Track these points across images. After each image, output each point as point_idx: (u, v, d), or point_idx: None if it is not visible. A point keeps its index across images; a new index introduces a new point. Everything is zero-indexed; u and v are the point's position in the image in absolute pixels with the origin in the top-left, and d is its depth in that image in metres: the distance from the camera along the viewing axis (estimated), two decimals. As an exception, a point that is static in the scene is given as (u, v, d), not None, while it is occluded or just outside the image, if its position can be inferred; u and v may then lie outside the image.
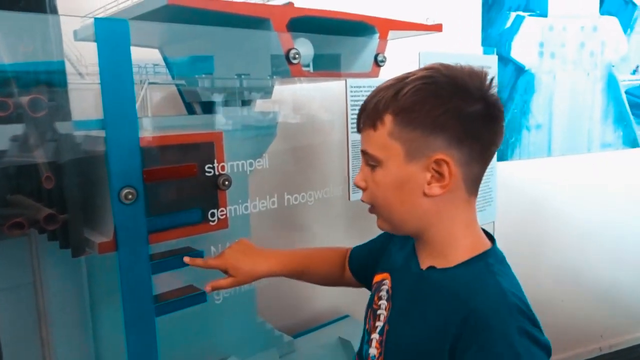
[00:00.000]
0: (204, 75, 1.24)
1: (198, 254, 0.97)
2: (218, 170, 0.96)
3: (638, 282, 2.70)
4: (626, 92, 2.56)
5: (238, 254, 0.95)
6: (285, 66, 1.05)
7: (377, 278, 0.87)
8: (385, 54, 1.23)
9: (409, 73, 0.72)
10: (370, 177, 0.76)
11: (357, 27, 1.19)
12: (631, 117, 2.58)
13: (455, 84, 0.68)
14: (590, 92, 2.47)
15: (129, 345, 0.87)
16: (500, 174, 1.75)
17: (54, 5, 0.81)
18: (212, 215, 0.96)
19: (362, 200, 0.79)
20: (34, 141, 0.78)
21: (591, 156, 2.52)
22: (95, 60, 0.97)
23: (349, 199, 1.20)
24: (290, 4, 1.07)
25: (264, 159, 1.12)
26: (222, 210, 0.97)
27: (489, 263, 0.72)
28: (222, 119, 1.25)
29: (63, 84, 0.80)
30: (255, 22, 1.02)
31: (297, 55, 1.04)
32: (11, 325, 1.03)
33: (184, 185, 0.92)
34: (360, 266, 0.99)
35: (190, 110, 1.41)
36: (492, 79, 0.71)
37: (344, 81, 1.49)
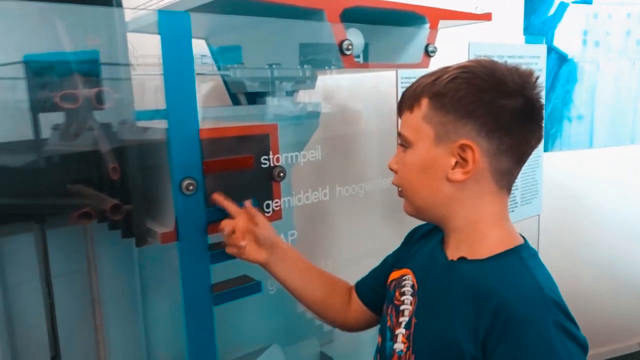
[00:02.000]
0: (251, 66, 1.24)
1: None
2: (273, 162, 0.96)
3: (680, 277, 2.64)
4: (673, 82, 2.47)
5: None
6: (338, 57, 1.04)
7: (395, 275, 0.86)
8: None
9: (453, 64, 0.74)
10: (402, 160, 0.78)
11: (407, 17, 1.17)
12: (678, 108, 2.50)
13: (493, 76, 0.70)
14: (636, 82, 2.40)
15: (189, 333, 0.89)
16: (542, 165, 1.72)
17: (119, -1, 0.82)
18: (267, 206, 0.96)
19: (393, 183, 0.81)
20: (99, 133, 0.80)
21: (635, 148, 2.45)
22: (146, 51, 0.98)
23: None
24: (343, -6, 1.06)
25: (317, 150, 1.12)
26: (276, 202, 0.98)
27: (523, 257, 0.71)
28: (270, 110, 1.25)
29: (126, 75, 0.81)
30: (309, 13, 1.01)
31: (350, 47, 1.03)
32: (67, 310, 1.05)
33: (241, 176, 0.93)
34: (371, 290, 0.95)
35: (235, 101, 1.41)
36: (536, 79, 0.71)
37: (384, 72, 1.48)
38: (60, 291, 1.03)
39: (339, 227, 1.43)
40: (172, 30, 0.80)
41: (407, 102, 0.77)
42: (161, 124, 0.87)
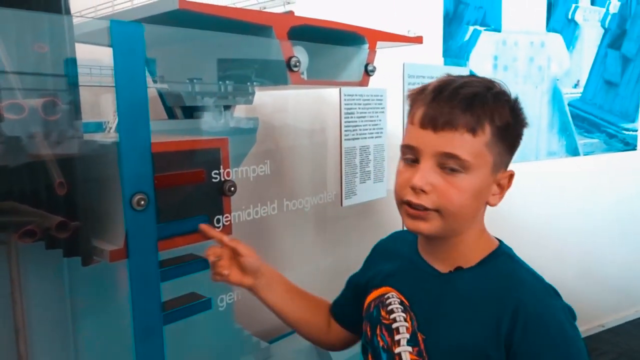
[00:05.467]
0: (195, 80, 1.23)
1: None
2: (224, 177, 0.95)
3: (579, 279, 2.90)
4: (569, 105, 2.76)
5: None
6: (285, 73, 1.06)
7: (375, 294, 0.84)
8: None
9: (480, 80, 0.75)
10: (443, 181, 0.71)
11: (348, 37, 1.22)
12: (573, 127, 2.79)
13: (517, 101, 0.75)
14: (538, 104, 2.64)
15: (138, 354, 0.85)
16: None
17: (67, 6, 0.78)
18: (218, 221, 0.95)
19: (424, 205, 0.71)
20: (45, 145, 0.75)
21: (539, 164, 2.69)
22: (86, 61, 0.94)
23: (342, 204, 1.23)
24: (291, 12, 1.09)
25: (264, 166, 1.13)
26: (226, 217, 0.97)
27: (510, 255, 0.78)
28: (208, 125, 1.24)
29: (75, 86, 0.77)
30: (258, 29, 1.02)
31: (297, 64, 1.06)
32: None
33: (191, 191, 0.91)
34: (346, 313, 0.95)
35: (171, 115, 1.38)
36: None
37: (324, 89, 1.52)
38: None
39: (288, 240, 1.44)
40: (125, 41, 0.78)
41: (464, 122, 0.69)
42: (110, 137, 0.84)
